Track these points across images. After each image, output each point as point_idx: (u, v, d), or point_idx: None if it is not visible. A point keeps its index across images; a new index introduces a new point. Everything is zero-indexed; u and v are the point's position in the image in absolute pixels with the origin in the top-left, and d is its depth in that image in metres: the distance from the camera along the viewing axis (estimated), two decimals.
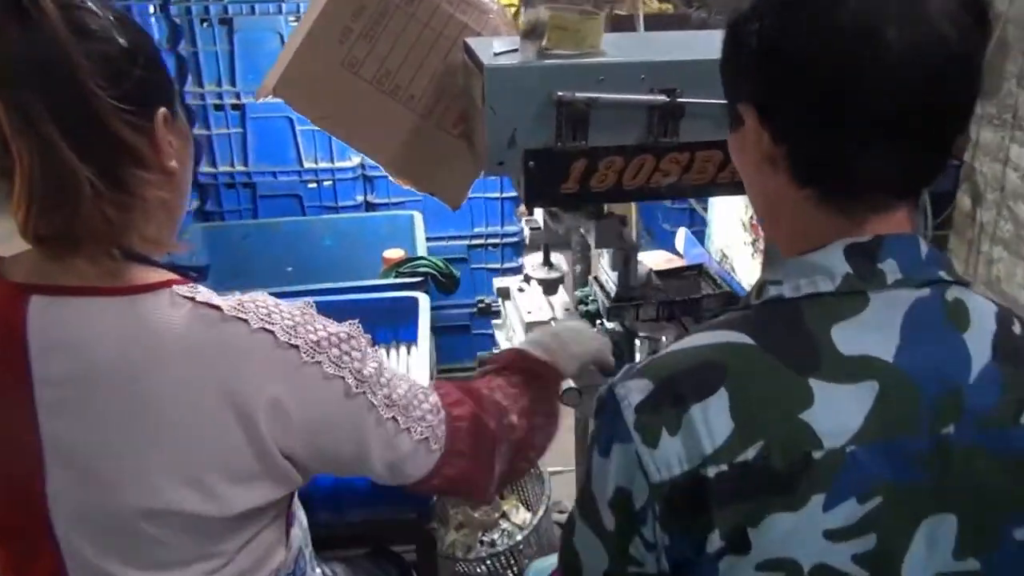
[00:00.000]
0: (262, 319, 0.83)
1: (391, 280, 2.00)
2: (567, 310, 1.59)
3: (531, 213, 1.53)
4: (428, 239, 2.67)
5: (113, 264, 0.79)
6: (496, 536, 2.48)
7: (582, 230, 1.47)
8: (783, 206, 0.77)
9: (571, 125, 1.13)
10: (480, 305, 1.70)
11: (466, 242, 2.77)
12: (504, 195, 2.73)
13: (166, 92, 0.85)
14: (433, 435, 0.94)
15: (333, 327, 0.87)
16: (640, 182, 1.25)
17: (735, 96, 0.75)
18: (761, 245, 1.46)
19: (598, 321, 1.63)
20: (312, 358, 0.84)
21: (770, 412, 0.67)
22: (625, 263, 1.51)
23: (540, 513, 2.42)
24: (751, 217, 1.50)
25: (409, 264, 2.06)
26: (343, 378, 0.86)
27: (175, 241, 0.86)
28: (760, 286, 0.76)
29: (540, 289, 1.60)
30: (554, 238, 1.52)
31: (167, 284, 0.82)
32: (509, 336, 1.67)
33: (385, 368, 0.92)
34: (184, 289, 0.82)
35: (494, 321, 1.77)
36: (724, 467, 0.67)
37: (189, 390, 0.79)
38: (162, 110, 0.83)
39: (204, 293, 0.84)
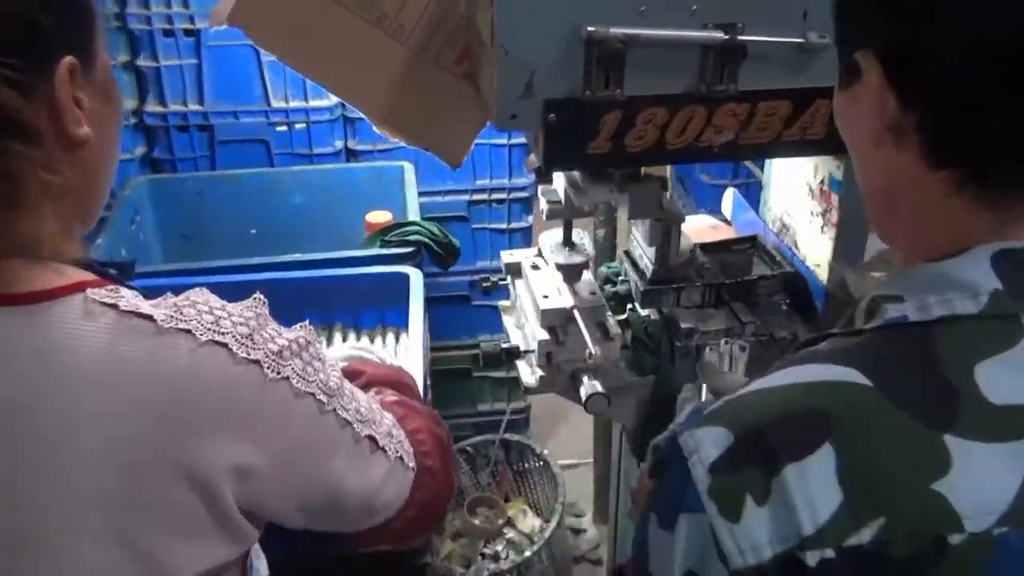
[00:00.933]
0: (210, 328, 0.76)
1: (376, 251, 1.96)
2: (592, 293, 1.53)
3: (549, 179, 1.46)
4: (420, 194, 2.63)
5: None
6: (500, 548, 2.48)
7: (612, 202, 1.42)
8: (907, 193, 0.68)
9: (603, 69, 1.10)
10: (485, 283, 1.65)
11: (466, 197, 2.73)
12: (512, 142, 2.68)
13: (76, 34, 0.76)
14: (406, 452, 0.94)
15: (288, 332, 0.83)
16: (687, 140, 1.21)
17: (850, 40, 0.68)
18: (833, 217, 1.40)
19: (628, 306, 1.58)
20: (278, 373, 0.78)
21: (892, 480, 0.61)
22: (665, 237, 1.46)
23: (554, 522, 2.40)
24: (821, 181, 1.42)
25: (398, 231, 2.02)
26: (313, 394, 0.81)
27: (81, 243, 0.79)
28: (873, 304, 0.69)
29: (583, 267, 1.57)
30: (577, 213, 1.47)
31: (78, 287, 0.75)
32: (520, 323, 1.63)
33: (343, 378, 0.90)
34: (102, 293, 0.75)
35: (501, 303, 1.73)
36: (830, 552, 0.60)
37: (114, 430, 0.72)
38: (67, 60, 0.74)
39: (129, 298, 0.77)
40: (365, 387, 1.05)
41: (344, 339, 1.81)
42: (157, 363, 0.74)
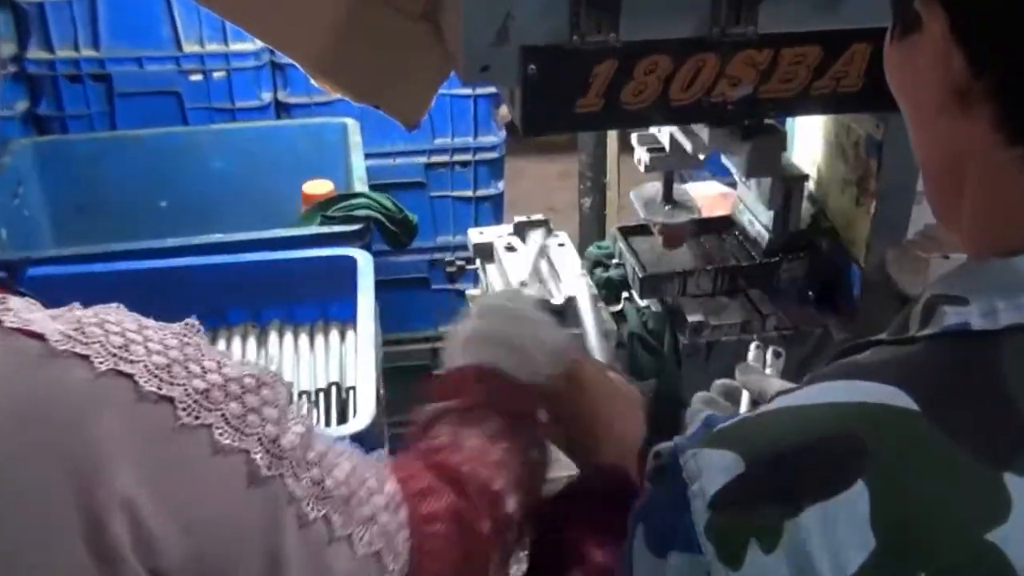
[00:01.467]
0: (114, 354, 0.71)
1: (315, 229, 1.94)
2: (582, 276, 1.51)
3: (536, 134, 1.45)
4: (367, 156, 2.59)
5: None
6: None
7: (725, 156, 1.43)
8: (974, 171, 0.66)
9: (594, 9, 1.09)
10: (450, 266, 1.63)
11: (423, 160, 2.71)
12: (478, 92, 2.66)
13: None
14: (389, 546, 0.86)
15: (234, 368, 0.78)
16: (696, 95, 1.20)
17: None
18: (871, 186, 1.39)
19: (624, 295, 1.56)
20: (196, 418, 0.74)
21: (936, 527, 0.59)
22: (787, 200, 1.47)
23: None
24: (856, 143, 1.41)
25: (342, 204, 2.00)
26: (247, 451, 0.76)
27: None
28: (929, 306, 0.66)
29: (567, 248, 1.55)
30: (686, 162, 1.46)
31: None
32: None
33: (317, 436, 0.83)
34: None
35: (469, 292, 1.73)
36: None
37: None
38: None
39: (19, 310, 0.72)
40: (465, 417, 1.00)
41: (280, 338, 1.78)
42: (45, 397, 0.69)
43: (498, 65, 1.11)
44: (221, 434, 0.75)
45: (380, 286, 2.75)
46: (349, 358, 1.64)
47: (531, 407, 1.06)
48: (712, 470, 0.63)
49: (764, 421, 0.65)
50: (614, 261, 1.62)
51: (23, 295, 0.76)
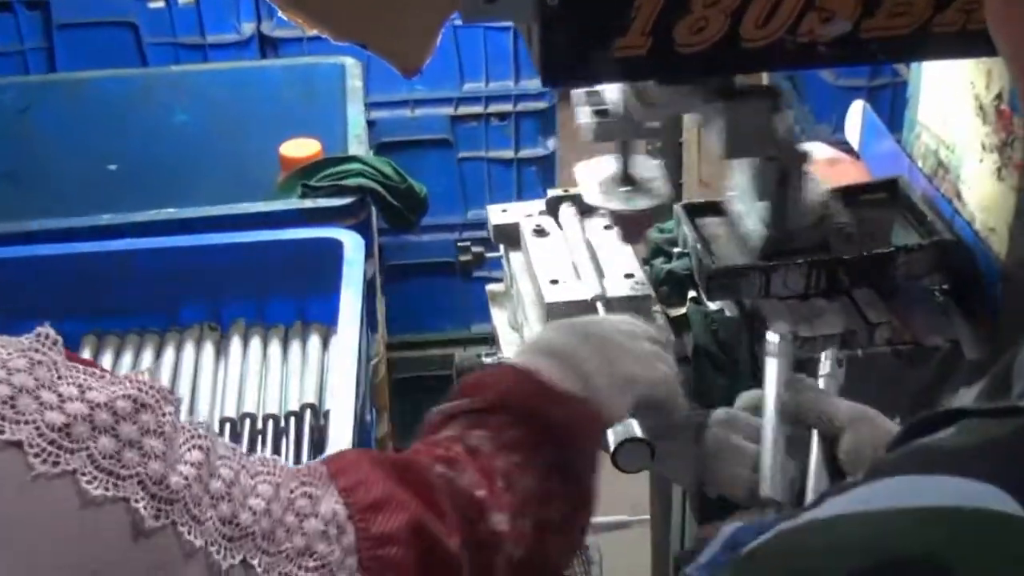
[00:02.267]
0: None
1: (292, 203, 1.95)
2: (629, 275, 1.49)
3: (560, 85, 1.46)
4: (376, 105, 2.59)
5: None
6: None
7: (692, 118, 1.43)
8: None
9: None
10: (464, 255, 1.63)
11: (448, 111, 2.71)
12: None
13: None
14: None
15: (102, 389, 0.78)
16: (775, 34, 1.20)
17: None
18: (1017, 154, 1.37)
19: (689, 294, 1.55)
20: (55, 464, 0.73)
21: None
22: (782, 185, 1.44)
23: None
24: (998, 96, 1.39)
25: (329, 172, 2.00)
26: (126, 500, 0.76)
27: None
28: None
29: (613, 232, 1.55)
30: (638, 132, 1.46)
31: None
32: (518, 321, 1.61)
33: (222, 457, 0.83)
34: None
35: (490, 287, 1.72)
36: None
37: None
38: None
39: None
40: (482, 417, 1.05)
41: (244, 345, 1.79)
42: None
43: None
44: (89, 481, 0.74)
45: (393, 276, 2.80)
46: (332, 372, 1.63)
47: (574, 419, 1.09)
48: None
49: (807, 535, 0.64)
50: (677, 249, 1.59)
51: None
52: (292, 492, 0.88)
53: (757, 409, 1.19)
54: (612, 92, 1.45)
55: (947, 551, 0.59)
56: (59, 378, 0.76)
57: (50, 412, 0.74)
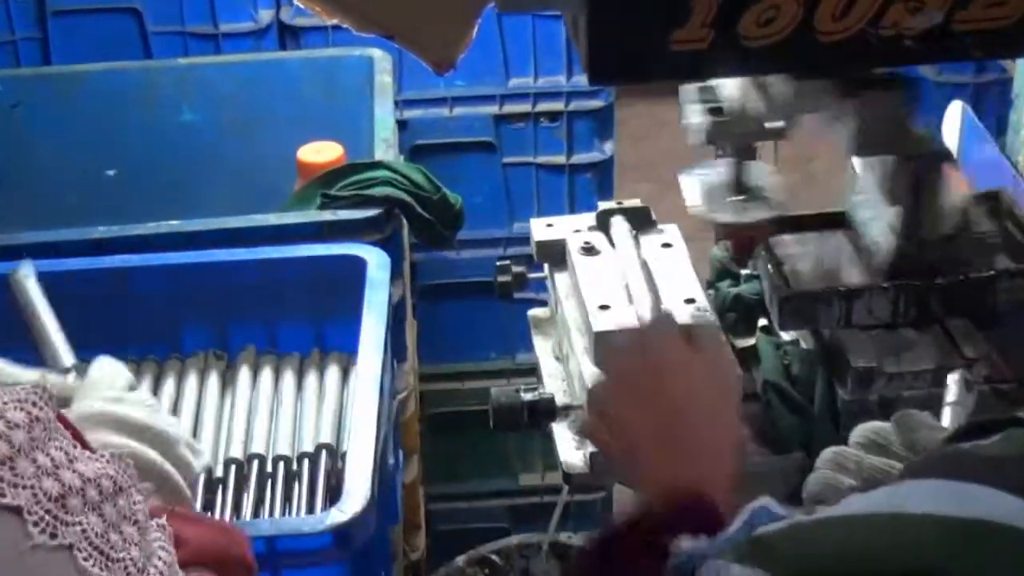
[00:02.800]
0: None
1: (311, 216, 1.94)
2: (690, 300, 1.52)
3: (608, 82, 1.49)
4: (410, 103, 2.61)
5: None
6: None
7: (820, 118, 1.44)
8: None
9: None
10: (503, 275, 1.66)
11: (492, 109, 2.72)
12: None
13: None
14: None
15: (86, 463, 0.82)
16: (854, 25, 1.23)
17: None
18: None
19: (760, 323, 1.57)
20: (52, 535, 0.77)
21: None
22: (916, 191, 1.47)
23: None
24: None
25: (352, 179, 2.00)
26: None
27: None
28: None
29: (672, 251, 1.57)
30: (758, 133, 1.50)
31: None
32: (562, 352, 1.65)
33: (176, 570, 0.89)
34: None
35: (533, 312, 1.76)
36: None
37: None
38: None
39: None
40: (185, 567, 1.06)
41: (254, 376, 1.81)
42: None
43: None
44: (86, 559, 0.78)
45: (427, 298, 2.79)
46: (352, 408, 1.66)
47: None
48: None
49: (820, 532, 0.68)
50: (745, 271, 1.61)
51: None
52: None
53: (877, 445, 1.19)
54: (729, 88, 1.48)
55: (955, 567, 0.63)
56: (50, 440, 0.80)
57: (47, 479, 0.78)
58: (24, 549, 0.76)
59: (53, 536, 0.77)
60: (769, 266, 1.55)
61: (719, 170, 1.57)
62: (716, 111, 1.49)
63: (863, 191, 1.55)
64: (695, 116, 1.50)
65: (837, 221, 1.62)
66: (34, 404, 0.81)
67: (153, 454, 1.18)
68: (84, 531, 0.79)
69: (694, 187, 1.58)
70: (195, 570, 1.06)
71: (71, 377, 1.27)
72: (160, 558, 0.86)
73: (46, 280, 1.80)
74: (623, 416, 1.12)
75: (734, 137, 1.51)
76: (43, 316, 1.42)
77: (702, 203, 1.56)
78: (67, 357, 1.35)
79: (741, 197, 1.55)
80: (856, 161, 1.54)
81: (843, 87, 1.35)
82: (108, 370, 1.30)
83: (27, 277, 1.45)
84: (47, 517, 0.77)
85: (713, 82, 1.48)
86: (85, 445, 0.86)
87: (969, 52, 1.28)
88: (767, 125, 1.49)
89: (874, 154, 1.46)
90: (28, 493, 0.77)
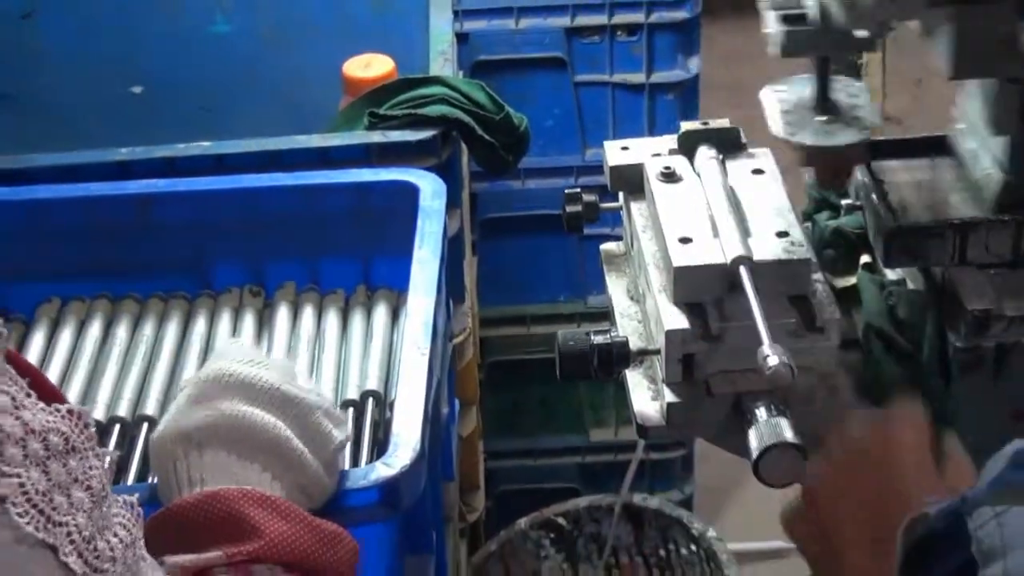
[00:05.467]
0: None
1: (358, 137, 1.94)
2: (783, 233, 1.48)
3: None
4: (471, 13, 2.60)
5: None
6: None
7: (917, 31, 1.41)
8: None
9: None
10: (572, 204, 1.63)
11: (563, 20, 2.73)
12: None
13: None
14: None
15: (34, 413, 0.82)
16: None
17: None
18: None
19: (862, 260, 1.56)
20: None
21: None
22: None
23: None
24: None
25: (404, 97, 1.99)
26: (55, 549, 0.80)
27: None
28: None
29: (764, 178, 1.55)
30: (842, 44, 1.49)
31: None
32: (638, 291, 1.63)
33: (142, 557, 0.90)
34: None
35: (605, 247, 1.75)
36: None
37: None
38: None
39: None
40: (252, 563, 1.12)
41: (293, 316, 1.81)
42: None
43: None
44: (21, 515, 0.78)
45: (490, 233, 2.80)
46: (401, 352, 1.64)
47: (339, 563, 1.21)
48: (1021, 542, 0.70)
49: None
50: (846, 202, 1.58)
51: None
52: None
53: None
54: None
55: None
56: None
57: None
58: None
59: None
60: (873, 195, 1.52)
61: (806, 87, 1.55)
62: (796, 19, 1.47)
63: (967, 118, 1.54)
64: (772, 24, 1.49)
65: (944, 147, 1.59)
66: None
67: (278, 424, 1.24)
68: (22, 485, 0.79)
69: (775, 105, 1.56)
70: (264, 568, 1.12)
71: None
72: (116, 535, 0.86)
73: (64, 207, 1.83)
74: None
75: (812, 50, 1.50)
76: None
77: (782, 123, 1.54)
78: None
79: (826, 118, 1.53)
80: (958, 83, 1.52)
81: None
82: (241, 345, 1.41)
83: None
84: None
85: None
86: (51, 396, 0.86)
87: None
88: (854, 35, 1.47)
89: (975, 76, 1.45)
90: None
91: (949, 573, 0.80)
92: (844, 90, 1.54)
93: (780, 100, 1.56)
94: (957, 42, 1.34)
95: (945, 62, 1.36)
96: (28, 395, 0.83)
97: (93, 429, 0.86)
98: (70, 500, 0.82)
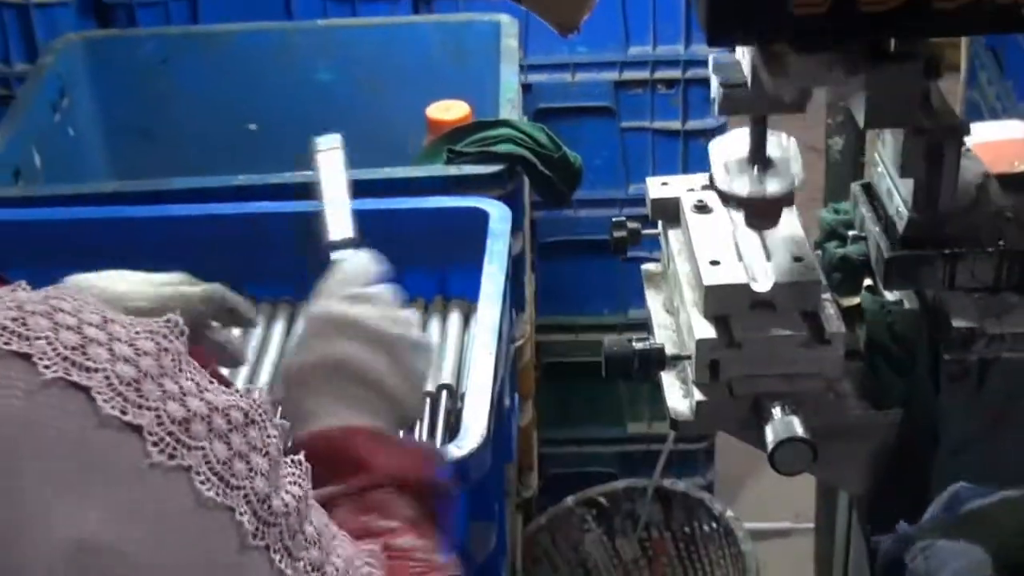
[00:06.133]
0: (67, 357, 0.74)
1: (437, 170, 1.94)
2: (798, 259, 1.49)
3: (726, 44, 1.46)
4: (533, 68, 2.60)
5: None
6: None
7: (832, 91, 1.44)
8: None
9: None
10: (618, 231, 1.64)
11: (612, 75, 2.71)
12: None
13: None
14: None
15: (217, 394, 0.81)
16: None
17: None
18: None
19: (865, 283, 1.54)
20: (171, 456, 0.76)
21: None
22: (934, 163, 1.43)
23: None
24: None
25: (477, 136, 1.99)
26: (232, 510, 0.79)
27: None
28: None
29: (785, 211, 1.53)
30: (770, 106, 1.45)
31: None
32: (673, 305, 1.63)
33: (313, 506, 0.88)
34: None
35: (646, 266, 1.75)
36: None
37: None
38: None
39: None
40: (362, 494, 1.09)
41: None
42: None
43: None
44: (203, 482, 0.77)
45: (546, 254, 2.81)
46: (472, 351, 1.65)
47: (436, 481, 1.19)
48: (949, 571, 0.64)
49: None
50: (852, 232, 1.58)
51: None
52: (359, 566, 0.94)
53: None
54: (745, 60, 1.44)
55: None
56: (180, 371, 0.79)
57: (172, 403, 0.77)
58: (143, 467, 0.76)
59: (172, 457, 0.76)
60: (876, 228, 1.52)
61: (740, 139, 1.52)
62: (731, 85, 1.45)
63: (883, 163, 1.53)
64: (714, 88, 1.46)
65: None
66: (164, 336, 0.80)
67: (377, 362, 1.21)
68: (206, 456, 0.78)
69: (719, 157, 1.53)
70: (380, 492, 1.10)
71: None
72: (288, 491, 0.85)
73: (191, 222, 1.85)
74: None
75: (745, 110, 1.47)
76: (334, 186, 1.53)
77: (722, 173, 1.51)
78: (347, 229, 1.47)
79: (757, 170, 1.50)
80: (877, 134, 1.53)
81: (852, 63, 1.31)
82: (355, 264, 1.38)
83: (335, 149, 1.55)
84: (168, 439, 0.76)
85: (738, 54, 1.44)
86: (223, 383, 0.85)
87: None
88: (784, 98, 1.43)
89: (885, 126, 1.45)
90: (152, 415, 0.76)
91: None
92: (778, 144, 1.52)
93: (725, 152, 1.54)
94: (871, 98, 1.34)
95: (861, 115, 1.37)
96: (211, 381, 0.82)
97: (269, 405, 0.85)
98: (249, 465, 0.81)
